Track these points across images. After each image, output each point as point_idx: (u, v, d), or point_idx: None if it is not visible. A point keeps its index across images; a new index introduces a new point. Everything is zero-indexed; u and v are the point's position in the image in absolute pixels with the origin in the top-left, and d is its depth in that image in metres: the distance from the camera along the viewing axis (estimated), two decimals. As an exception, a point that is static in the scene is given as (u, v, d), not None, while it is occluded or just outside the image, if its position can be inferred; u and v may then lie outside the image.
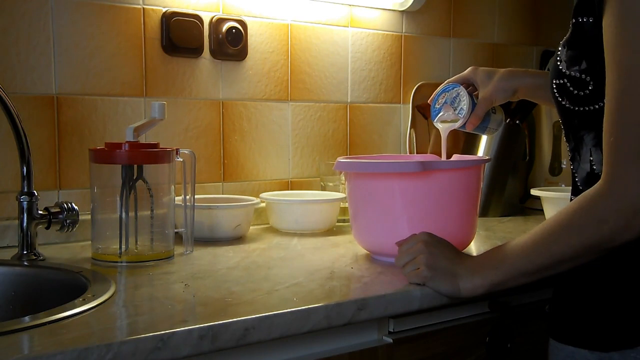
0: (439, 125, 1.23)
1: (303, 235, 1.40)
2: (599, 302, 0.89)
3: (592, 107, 0.89)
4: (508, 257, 0.91)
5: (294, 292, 0.93)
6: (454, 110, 1.19)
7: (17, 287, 1.07)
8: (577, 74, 0.89)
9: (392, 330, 1.01)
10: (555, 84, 0.92)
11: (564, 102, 0.92)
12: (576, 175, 0.95)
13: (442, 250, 0.98)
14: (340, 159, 1.17)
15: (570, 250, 0.85)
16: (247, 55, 1.52)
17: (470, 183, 1.14)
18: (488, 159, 1.21)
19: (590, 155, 0.91)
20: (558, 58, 0.92)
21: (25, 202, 1.12)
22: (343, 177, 1.44)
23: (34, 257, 1.13)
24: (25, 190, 1.13)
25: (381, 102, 1.75)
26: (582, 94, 0.89)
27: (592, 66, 0.87)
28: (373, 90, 1.74)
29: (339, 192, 1.53)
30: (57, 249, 1.22)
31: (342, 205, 1.47)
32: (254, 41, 1.53)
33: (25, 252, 1.13)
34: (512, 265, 0.90)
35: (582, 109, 0.90)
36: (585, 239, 0.83)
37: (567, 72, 0.90)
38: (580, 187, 0.94)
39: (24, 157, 1.12)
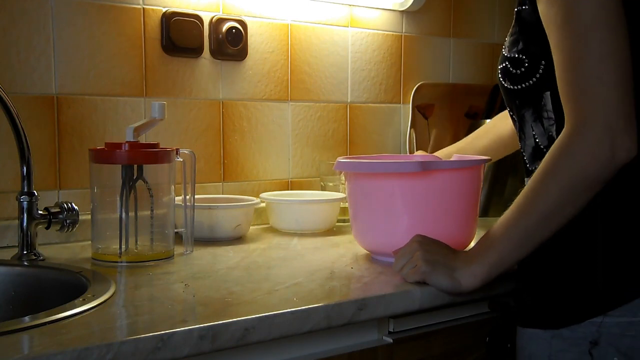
0: None
1: (303, 235, 1.40)
2: (546, 285, 0.95)
3: (527, 83, 0.98)
4: (497, 232, 0.93)
5: (294, 292, 0.93)
6: None
7: (17, 287, 1.07)
8: (516, 55, 0.99)
9: (392, 330, 1.01)
10: (500, 69, 1.02)
11: (506, 84, 1.01)
12: (524, 154, 1.03)
13: (436, 247, 1.00)
14: (340, 159, 1.17)
15: (551, 199, 0.88)
16: (247, 55, 1.52)
17: (470, 183, 1.14)
18: (488, 159, 1.21)
19: (532, 130, 0.99)
20: (503, 46, 1.03)
21: (25, 202, 1.12)
22: (343, 177, 1.44)
23: (34, 257, 1.13)
24: (25, 190, 1.13)
25: (381, 102, 1.75)
26: (519, 72, 0.98)
27: (527, 46, 0.97)
28: (373, 90, 1.74)
29: (339, 192, 1.53)
30: (57, 249, 1.22)
31: (342, 205, 1.47)
32: (254, 41, 1.53)
33: (25, 252, 1.13)
34: (503, 238, 0.92)
35: (519, 86, 0.99)
36: (560, 180, 0.87)
37: (508, 55, 1.00)
38: (528, 165, 1.02)
39: (24, 157, 1.12)
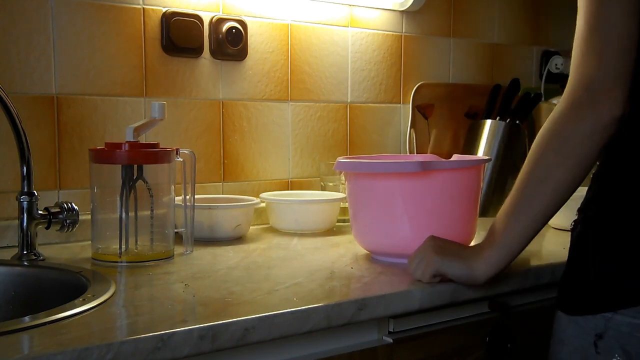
0: None
1: (303, 235, 1.40)
2: (569, 274, 0.95)
3: None
4: (501, 214, 0.96)
5: (294, 292, 0.93)
6: None
7: (17, 287, 1.07)
8: None
9: (392, 330, 1.01)
10: None
11: None
12: None
13: (448, 244, 1.02)
14: (340, 159, 1.17)
15: (542, 163, 0.91)
16: (247, 55, 1.52)
17: (470, 183, 1.14)
18: (488, 159, 1.21)
19: None
20: None
21: (25, 202, 1.12)
22: (343, 177, 1.44)
23: (34, 257, 1.13)
24: (25, 190, 1.13)
25: (381, 102, 1.75)
26: None
27: None
28: (373, 90, 1.74)
29: (339, 192, 1.53)
30: (57, 249, 1.22)
31: (342, 205, 1.47)
32: (254, 41, 1.53)
33: (25, 252, 1.13)
34: (507, 217, 0.95)
35: None
36: (547, 144, 0.90)
37: None
38: None
39: (24, 157, 1.12)
